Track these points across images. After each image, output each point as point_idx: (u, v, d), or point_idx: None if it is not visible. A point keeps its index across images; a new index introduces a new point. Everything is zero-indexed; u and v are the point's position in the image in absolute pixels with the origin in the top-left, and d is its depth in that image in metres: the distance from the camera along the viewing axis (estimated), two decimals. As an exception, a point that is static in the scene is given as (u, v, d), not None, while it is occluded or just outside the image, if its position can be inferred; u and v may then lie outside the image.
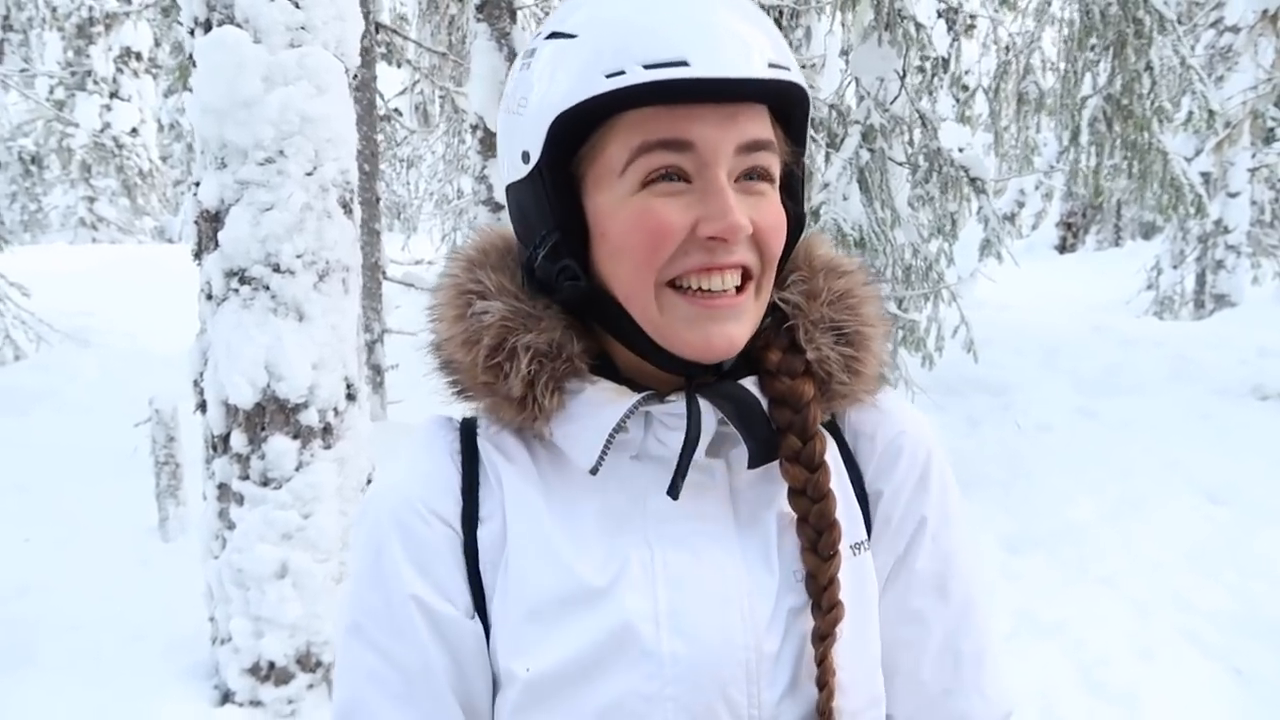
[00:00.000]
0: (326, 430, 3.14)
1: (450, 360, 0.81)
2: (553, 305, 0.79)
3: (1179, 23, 6.75)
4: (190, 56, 3.10)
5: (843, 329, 0.81)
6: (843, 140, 5.79)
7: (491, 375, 0.78)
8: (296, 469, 3.08)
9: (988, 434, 5.78)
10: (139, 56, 15.84)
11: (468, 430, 0.83)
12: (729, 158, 0.72)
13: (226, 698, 3.18)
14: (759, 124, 0.74)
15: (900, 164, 5.93)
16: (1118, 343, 7.24)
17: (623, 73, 0.69)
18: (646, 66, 0.68)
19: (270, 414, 3.05)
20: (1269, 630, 3.62)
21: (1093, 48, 7.03)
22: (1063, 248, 17.09)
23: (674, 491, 0.75)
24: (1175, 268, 11.57)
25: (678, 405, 0.77)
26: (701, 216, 0.72)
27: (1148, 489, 4.75)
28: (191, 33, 3.12)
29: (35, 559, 4.48)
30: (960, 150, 6.24)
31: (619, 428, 0.76)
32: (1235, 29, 9.71)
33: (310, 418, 3.08)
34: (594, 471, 0.76)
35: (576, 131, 0.73)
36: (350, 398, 3.22)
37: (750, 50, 0.71)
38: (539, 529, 0.77)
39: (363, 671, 0.77)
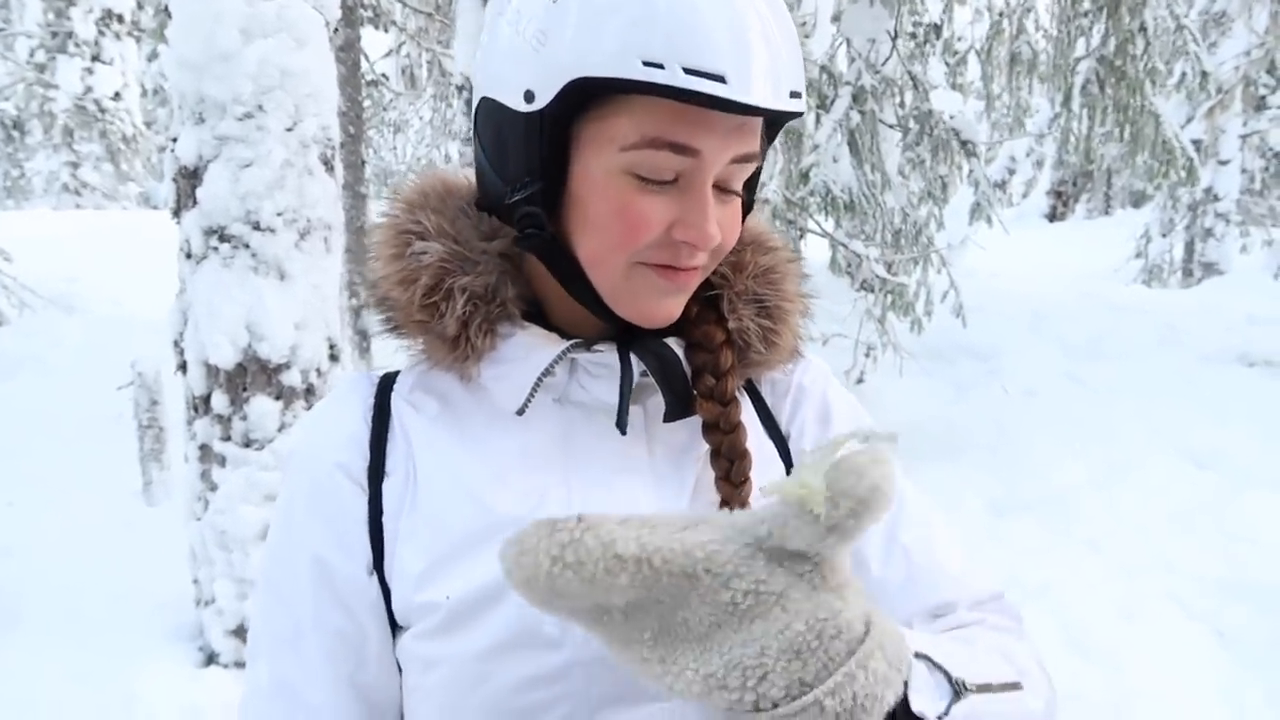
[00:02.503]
0: (309, 391, 3.11)
1: (386, 297, 0.83)
2: (489, 250, 0.81)
3: (1173, -15, 6.69)
4: (165, 8, 3.04)
5: (764, 302, 0.85)
6: (833, 102, 5.74)
7: (426, 314, 0.80)
8: (279, 430, 3.06)
9: (975, 399, 5.78)
10: (120, 19, 15.57)
11: (383, 386, 0.86)
12: (722, 167, 0.74)
13: (210, 659, 3.18)
14: (755, 137, 0.76)
15: (891, 126, 5.89)
16: (1106, 309, 7.24)
17: (662, 67, 0.68)
18: (686, 70, 0.68)
19: (252, 374, 3.02)
20: (1252, 593, 3.64)
21: (1085, 14, 6.98)
22: (1053, 216, 17.07)
23: (622, 426, 0.79)
24: (1164, 236, 11.56)
25: (603, 355, 0.80)
26: (679, 220, 0.74)
27: (1133, 454, 4.76)
28: (167, -16, 3.06)
29: (19, 523, 4.46)
30: (951, 117, 6.20)
31: (547, 372, 0.79)
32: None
33: (292, 378, 3.05)
34: (520, 413, 0.80)
35: (589, 92, 0.71)
36: (333, 358, 3.19)
37: (779, 79, 0.71)
38: (453, 471, 0.80)
39: (266, 619, 0.84)
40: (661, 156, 0.72)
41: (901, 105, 6.09)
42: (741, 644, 0.59)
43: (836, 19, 6.08)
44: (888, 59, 5.76)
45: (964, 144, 6.07)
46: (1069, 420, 5.20)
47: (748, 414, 0.86)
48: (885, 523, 0.84)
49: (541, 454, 0.80)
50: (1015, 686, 0.73)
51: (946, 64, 9.27)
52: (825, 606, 0.59)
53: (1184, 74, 6.68)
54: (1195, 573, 3.81)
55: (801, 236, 5.74)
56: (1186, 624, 3.53)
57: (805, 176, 5.43)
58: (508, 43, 0.75)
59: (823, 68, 6.03)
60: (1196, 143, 10.06)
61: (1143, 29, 6.05)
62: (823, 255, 6.13)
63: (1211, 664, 3.32)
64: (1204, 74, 6.02)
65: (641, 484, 0.80)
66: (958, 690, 0.67)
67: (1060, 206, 17.29)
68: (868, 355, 5.39)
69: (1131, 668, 3.23)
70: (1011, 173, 18.03)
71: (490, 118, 0.79)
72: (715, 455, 0.80)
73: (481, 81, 0.80)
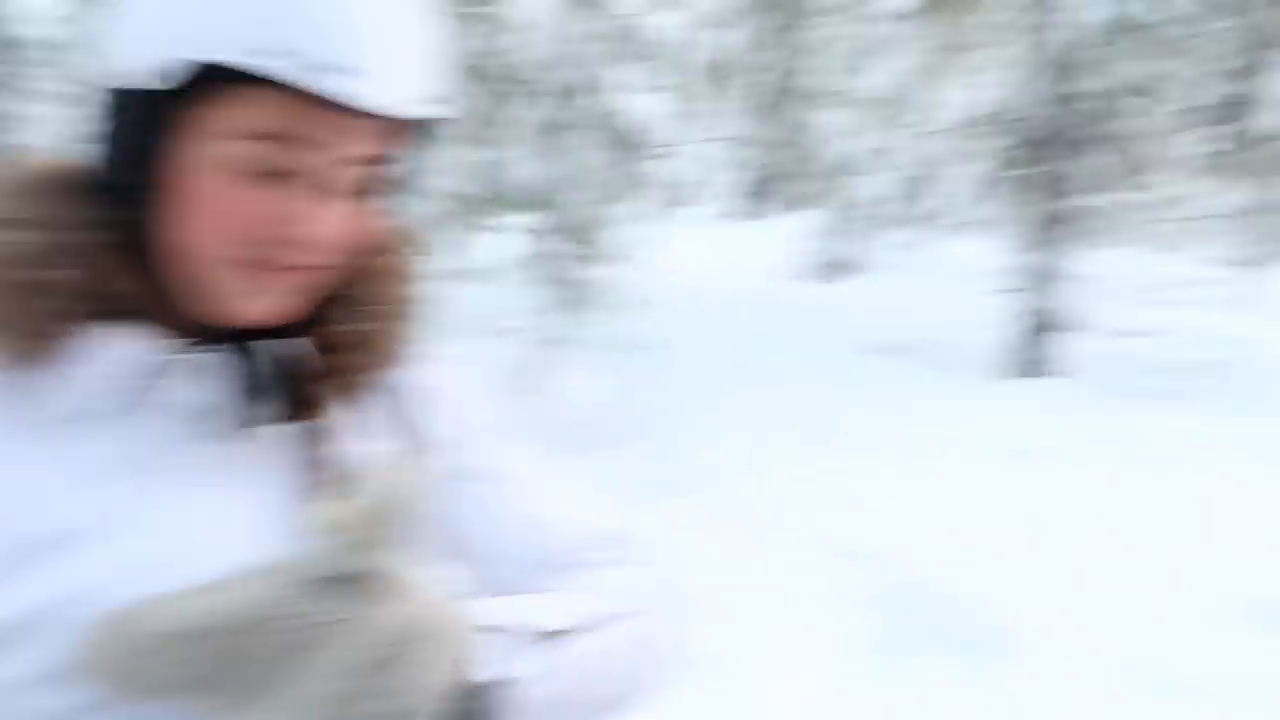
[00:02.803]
0: None
1: None
2: (90, 241, 0.74)
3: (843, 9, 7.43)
4: None
5: (381, 306, 0.83)
6: (524, 99, 5.86)
7: (10, 310, 0.72)
8: None
9: (644, 390, 6.07)
10: None
11: None
12: (344, 165, 0.71)
13: None
14: (386, 138, 0.73)
15: (580, 126, 6.08)
16: (772, 304, 7.96)
17: (282, 57, 0.65)
18: (309, 64, 0.65)
19: None
20: (868, 557, 4.14)
21: (767, 30, 7.58)
22: (734, 216, 18.17)
23: (220, 432, 0.76)
24: (828, 237, 12.70)
25: (202, 356, 0.75)
26: (287, 218, 0.70)
27: (784, 434, 5.30)
28: None
29: None
30: (641, 116, 6.52)
31: (139, 373, 0.73)
32: (899, 16, 10.65)
33: None
34: (108, 417, 0.73)
35: (202, 78, 0.67)
36: None
37: (414, 81, 0.70)
38: (14, 479, 0.72)
39: None
40: (274, 150, 0.68)
41: (592, 105, 6.30)
42: (311, 677, 0.61)
43: (531, 16, 6.20)
44: (580, 59, 5.95)
45: (648, 146, 6.42)
46: (727, 407, 5.70)
47: (370, 421, 0.84)
48: (486, 497, 0.87)
49: (126, 461, 0.73)
50: (607, 621, 0.77)
51: (639, 66, 9.67)
52: (373, 619, 0.63)
53: (845, 90, 7.43)
54: (828, 541, 4.29)
55: (484, 232, 5.83)
56: (814, 587, 3.95)
57: (490, 172, 5.53)
58: (124, 21, 0.71)
59: (516, 65, 6.13)
60: (858, 151, 11.13)
61: (811, 49, 6.68)
62: (507, 250, 6.26)
63: (844, 626, 3.69)
64: (862, 92, 6.75)
65: (237, 495, 0.76)
66: (532, 644, 0.71)
67: (742, 207, 18.46)
68: (546, 350, 5.57)
69: (773, 631, 3.55)
70: (696, 174, 18.99)
71: (101, 99, 0.74)
72: (315, 464, 0.78)
73: (98, 61, 0.75)
